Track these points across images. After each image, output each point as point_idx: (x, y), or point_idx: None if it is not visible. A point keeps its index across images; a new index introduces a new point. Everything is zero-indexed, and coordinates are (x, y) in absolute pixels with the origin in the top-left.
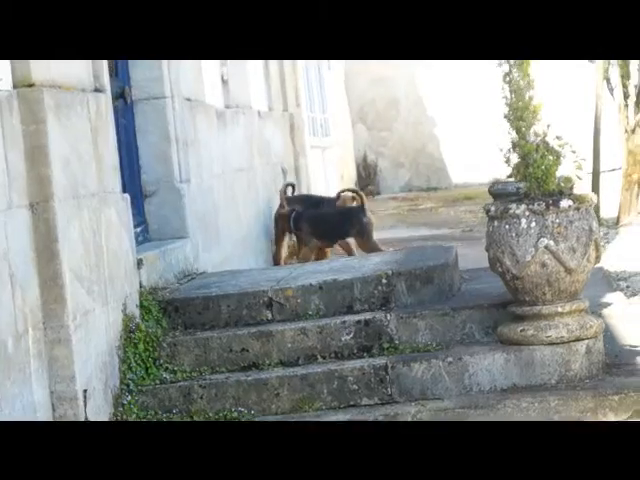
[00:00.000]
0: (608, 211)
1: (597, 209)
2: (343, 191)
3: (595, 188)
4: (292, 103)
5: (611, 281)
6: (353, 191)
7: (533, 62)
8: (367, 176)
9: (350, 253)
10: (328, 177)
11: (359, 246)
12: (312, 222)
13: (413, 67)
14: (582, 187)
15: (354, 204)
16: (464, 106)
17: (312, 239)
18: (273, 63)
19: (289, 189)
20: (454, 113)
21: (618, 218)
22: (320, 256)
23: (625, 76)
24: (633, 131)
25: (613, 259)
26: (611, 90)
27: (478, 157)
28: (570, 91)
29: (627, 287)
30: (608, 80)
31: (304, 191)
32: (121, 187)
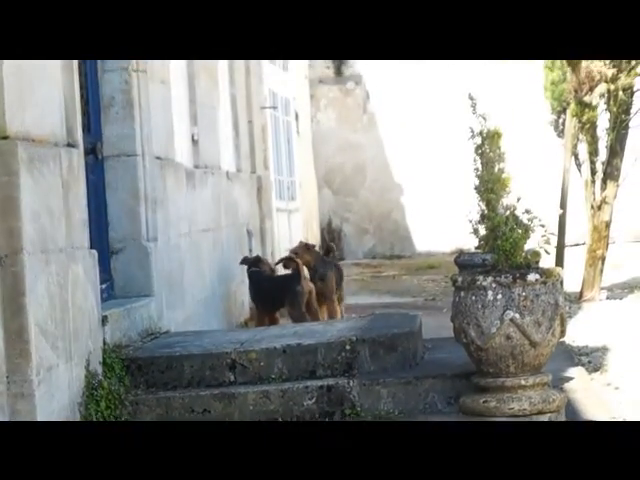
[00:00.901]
0: (571, 285)
1: (561, 284)
2: (282, 260)
3: (559, 262)
4: (260, 165)
5: (573, 356)
6: (288, 258)
7: (503, 135)
8: (331, 240)
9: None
10: (293, 240)
11: (289, 314)
12: (253, 288)
13: (381, 134)
14: (547, 261)
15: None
16: (431, 175)
17: (256, 305)
18: (243, 125)
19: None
20: (420, 181)
21: (581, 293)
22: (272, 321)
23: (593, 153)
24: (599, 207)
25: (575, 334)
26: (579, 166)
27: (442, 226)
28: (539, 165)
29: (589, 362)
30: (576, 156)
31: (269, 252)
32: (89, 243)
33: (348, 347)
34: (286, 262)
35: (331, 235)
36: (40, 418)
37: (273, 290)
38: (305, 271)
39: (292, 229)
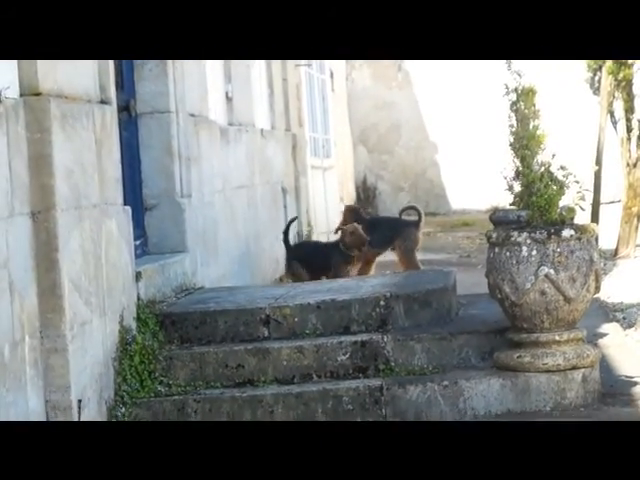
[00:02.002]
0: (606, 243)
1: (596, 240)
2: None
3: (595, 219)
4: (295, 123)
5: (608, 312)
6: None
7: (539, 92)
8: (366, 198)
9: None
10: (328, 198)
11: None
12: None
13: (416, 92)
14: (582, 218)
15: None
16: (466, 133)
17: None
18: (277, 83)
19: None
20: (455, 139)
21: (616, 250)
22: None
23: (629, 110)
24: (635, 165)
25: (610, 290)
26: (614, 123)
27: (478, 184)
28: (574, 123)
29: (623, 318)
30: (612, 113)
31: (303, 209)
32: (122, 199)
33: (382, 303)
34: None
35: (366, 193)
36: (73, 373)
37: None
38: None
39: (327, 187)
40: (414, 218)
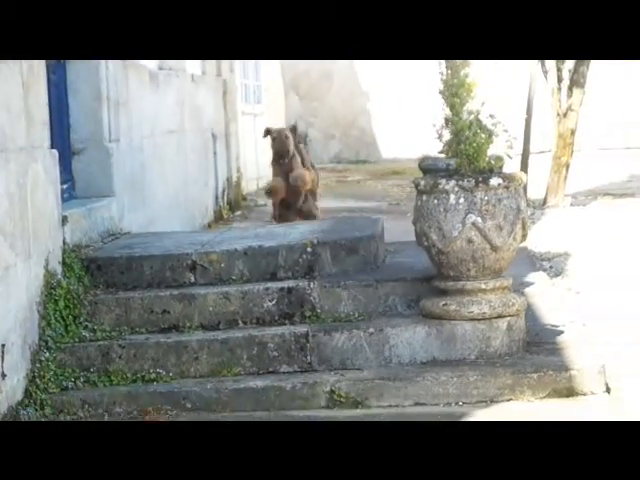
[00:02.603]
0: (536, 192)
1: (525, 189)
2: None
3: (524, 169)
4: (226, 68)
5: (535, 261)
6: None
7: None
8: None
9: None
10: (258, 145)
11: None
12: None
13: None
14: (511, 167)
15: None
16: (397, 81)
17: None
18: None
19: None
20: (387, 88)
21: (545, 199)
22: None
23: (559, 60)
24: (565, 115)
25: (538, 239)
26: (545, 73)
27: (409, 132)
28: (504, 71)
29: (550, 267)
30: (543, 63)
31: (233, 156)
32: (50, 143)
33: (309, 249)
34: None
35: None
36: None
37: None
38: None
39: (257, 133)
40: None
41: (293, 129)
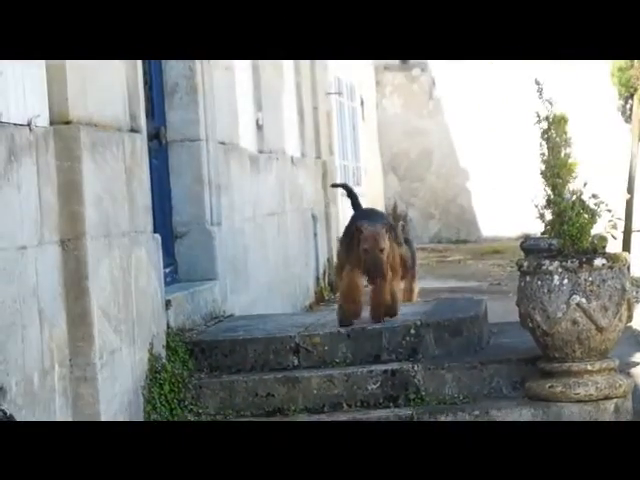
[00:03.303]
0: (639, 271)
1: (628, 269)
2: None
3: (626, 247)
4: (325, 150)
5: None
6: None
7: (570, 120)
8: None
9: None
10: None
11: None
12: None
13: (447, 119)
14: (613, 247)
15: None
16: (497, 160)
17: None
18: (308, 110)
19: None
20: (486, 166)
21: None
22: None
23: None
24: None
25: None
26: None
27: (508, 211)
28: (606, 151)
29: None
30: None
31: (333, 236)
32: (152, 227)
33: (413, 331)
34: None
35: (397, 220)
36: (102, 401)
37: None
38: None
39: None
40: None
41: (390, 228)
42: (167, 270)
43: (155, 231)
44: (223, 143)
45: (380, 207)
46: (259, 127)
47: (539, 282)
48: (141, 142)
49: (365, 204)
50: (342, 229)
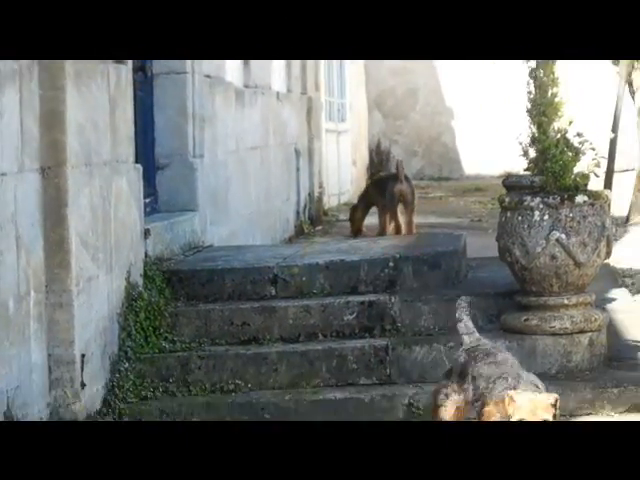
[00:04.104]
0: (619, 210)
1: (609, 207)
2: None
3: (608, 186)
4: (311, 86)
5: (617, 277)
6: None
7: (558, 61)
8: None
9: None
10: (341, 161)
11: None
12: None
13: None
14: (595, 185)
15: None
16: (482, 98)
17: None
18: None
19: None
20: (471, 105)
21: (628, 217)
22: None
23: None
24: None
25: (620, 256)
26: (632, 93)
27: (492, 150)
28: (592, 91)
29: (632, 284)
30: (630, 83)
31: (316, 171)
32: (134, 158)
33: (391, 264)
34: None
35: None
36: (77, 327)
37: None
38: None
39: (340, 150)
40: None
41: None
42: (147, 200)
43: (137, 162)
44: (209, 76)
45: (364, 144)
46: (245, 62)
47: (520, 217)
48: (126, 74)
49: (349, 141)
50: (325, 164)
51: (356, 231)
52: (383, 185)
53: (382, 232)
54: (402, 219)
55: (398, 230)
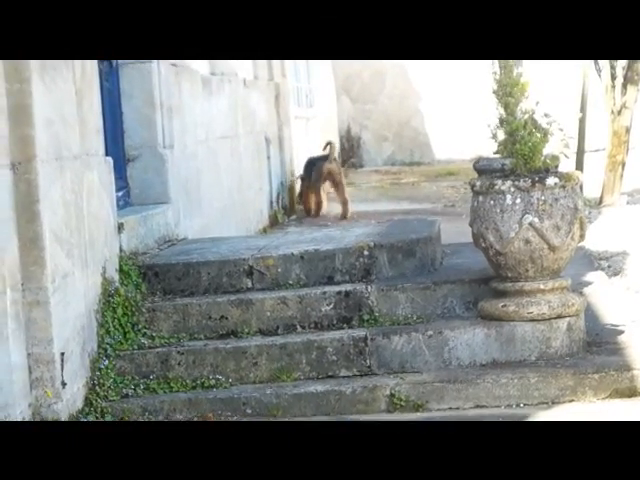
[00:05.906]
0: (591, 191)
1: (581, 188)
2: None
3: (579, 167)
4: (278, 73)
5: (593, 260)
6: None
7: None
8: (350, 148)
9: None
10: (311, 148)
11: None
12: None
13: None
14: (566, 166)
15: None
16: (450, 81)
17: None
18: None
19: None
20: (440, 88)
21: (601, 198)
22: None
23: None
24: (619, 112)
25: (595, 239)
26: (599, 71)
27: (462, 133)
28: (558, 70)
29: (608, 267)
30: (596, 61)
31: (287, 159)
32: (104, 150)
33: (366, 252)
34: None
35: (350, 142)
36: (55, 325)
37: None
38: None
39: (310, 136)
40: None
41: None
42: (119, 194)
43: (107, 154)
44: (174, 65)
45: (333, 129)
46: None
47: (492, 202)
48: (92, 64)
49: (318, 126)
50: (295, 151)
51: (308, 210)
52: (313, 165)
53: (306, 208)
54: (338, 200)
55: (319, 206)
